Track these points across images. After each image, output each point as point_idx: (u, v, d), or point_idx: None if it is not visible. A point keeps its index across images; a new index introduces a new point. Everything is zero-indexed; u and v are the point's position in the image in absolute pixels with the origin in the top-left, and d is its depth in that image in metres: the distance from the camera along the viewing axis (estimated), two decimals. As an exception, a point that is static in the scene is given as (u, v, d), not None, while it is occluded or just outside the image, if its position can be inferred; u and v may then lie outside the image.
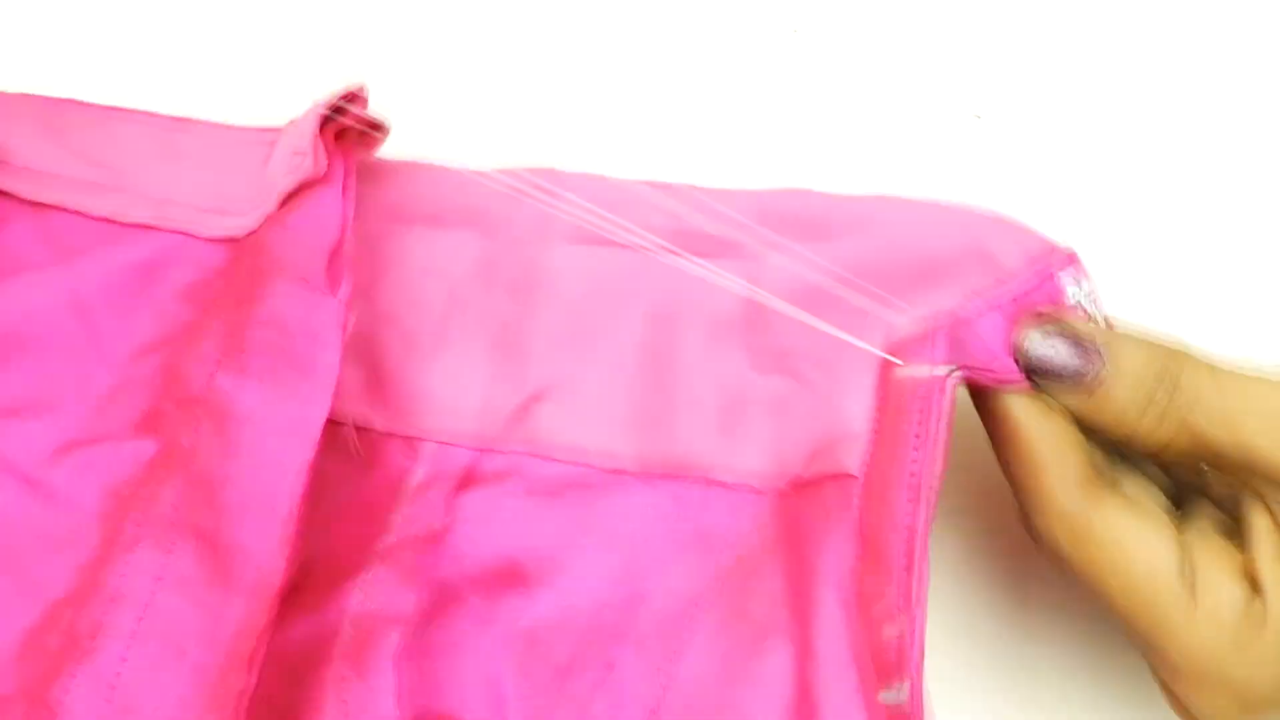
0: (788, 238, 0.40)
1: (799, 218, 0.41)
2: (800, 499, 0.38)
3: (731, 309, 0.40)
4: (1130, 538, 0.36)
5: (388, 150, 0.44)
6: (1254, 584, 0.36)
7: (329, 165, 0.40)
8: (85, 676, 0.35)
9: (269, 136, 0.44)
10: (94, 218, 0.44)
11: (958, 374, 0.37)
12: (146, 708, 0.35)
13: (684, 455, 0.40)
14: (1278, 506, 0.36)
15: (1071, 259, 0.38)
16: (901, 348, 0.37)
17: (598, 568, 0.40)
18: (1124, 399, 0.36)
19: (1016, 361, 0.36)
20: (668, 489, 0.40)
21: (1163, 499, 0.38)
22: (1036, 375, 0.36)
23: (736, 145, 0.49)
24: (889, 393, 0.37)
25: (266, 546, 0.37)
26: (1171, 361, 0.36)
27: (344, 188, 0.40)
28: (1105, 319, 0.38)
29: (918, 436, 0.36)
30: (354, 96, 0.41)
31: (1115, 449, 0.38)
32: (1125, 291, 0.46)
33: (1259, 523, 0.36)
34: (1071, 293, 0.38)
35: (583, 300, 0.42)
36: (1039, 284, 0.37)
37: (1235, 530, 0.37)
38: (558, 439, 0.41)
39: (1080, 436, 0.37)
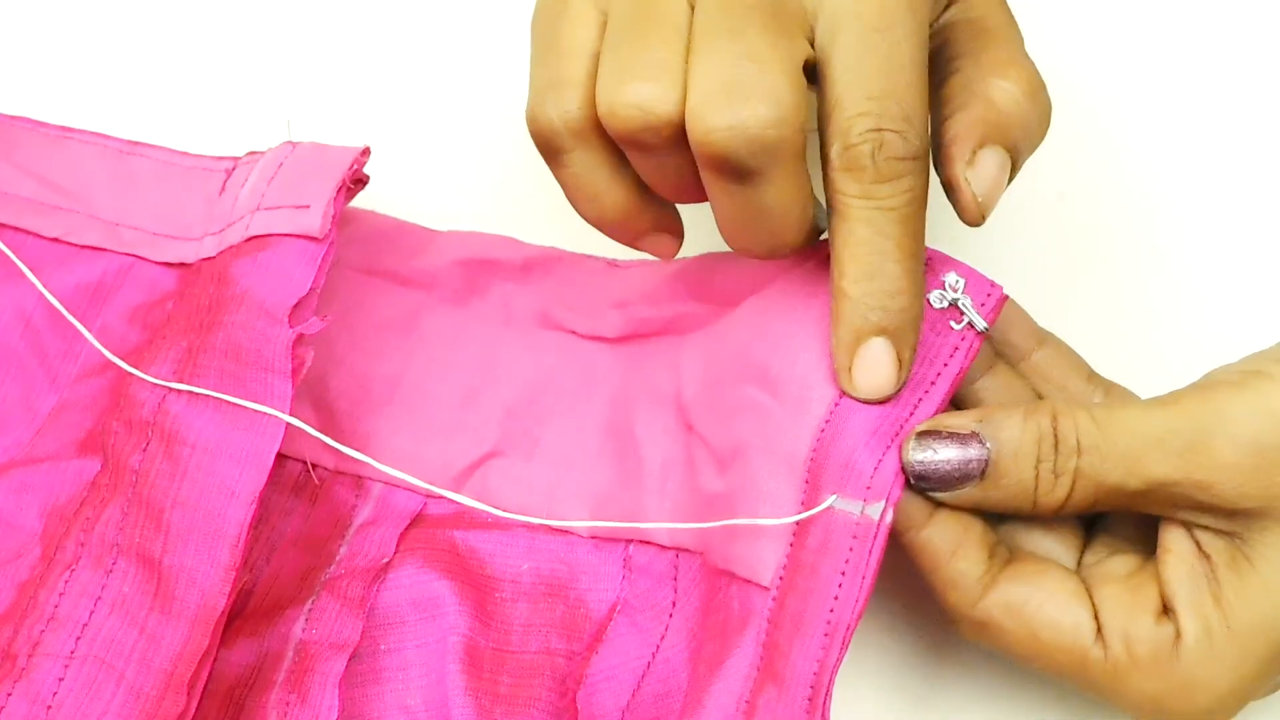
0: (709, 305, 0.41)
1: (711, 287, 0.41)
2: (711, 579, 0.38)
3: (680, 390, 0.41)
4: (1036, 619, 0.36)
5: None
6: (1166, 609, 0.35)
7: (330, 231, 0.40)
8: (21, 695, 0.35)
9: (224, 164, 0.44)
10: (44, 238, 0.44)
11: (890, 515, 0.36)
12: None
13: (628, 517, 0.40)
14: (1199, 531, 0.35)
15: (928, 265, 0.37)
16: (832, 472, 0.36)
17: (542, 615, 0.40)
18: (1016, 470, 0.36)
19: (907, 482, 0.36)
20: (616, 550, 0.40)
21: (1071, 540, 0.38)
22: (928, 485, 0.36)
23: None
24: (815, 519, 0.36)
25: (211, 572, 0.37)
26: (1047, 418, 0.36)
27: (329, 249, 0.40)
28: (990, 302, 0.37)
29: (844, 575, 0.35)
30: (365, 155, 0.41)
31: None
32: (1124, 290, 0.46)
33: (1175, 545, 0.36)
34: (935, 299, 0.37)
35: (548, 378, 0.42)
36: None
37: (1145, 552, 0.37)
38: (510, 497, 0.41)
39: (972, 523, 0.37)
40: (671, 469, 0.40)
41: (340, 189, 0.40)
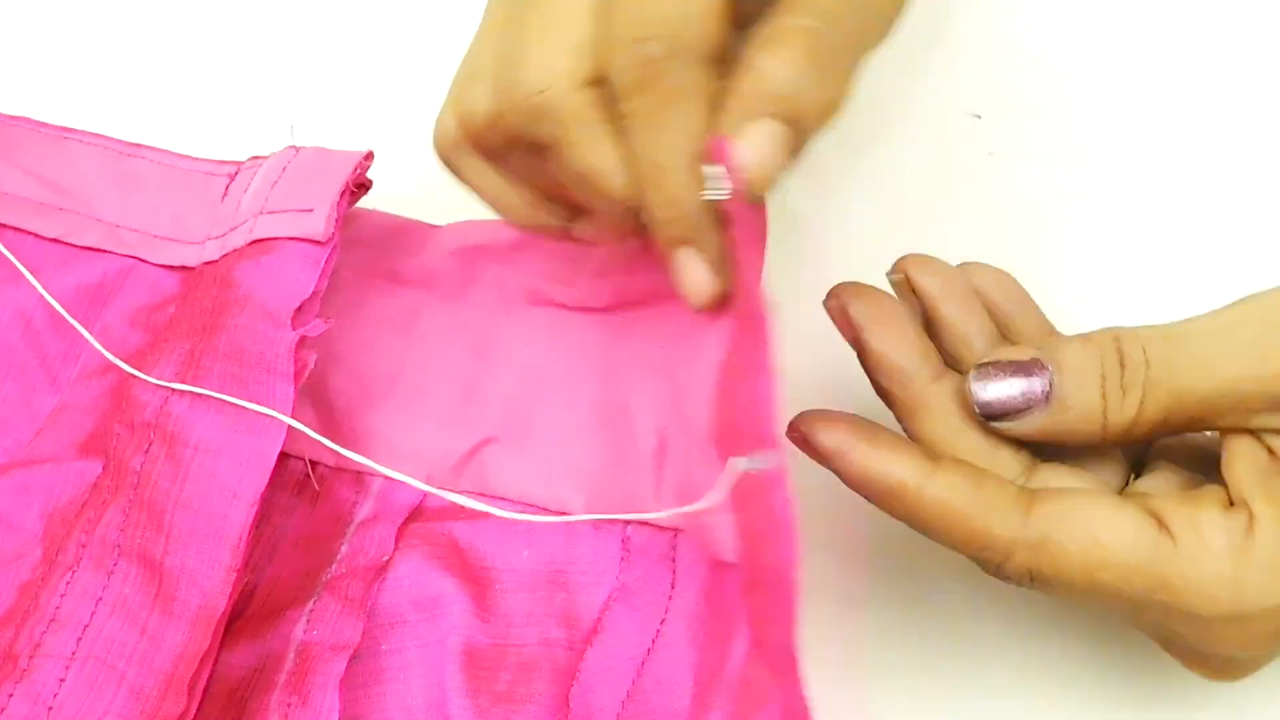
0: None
1: None
2: (712, 567, 0.38)
3: (661, 351, 0.40)
4: (1092, 523, 0.34)
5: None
6: (1233, 502, 0.34)
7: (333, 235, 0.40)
8: (22, 696, 0.35)
9: (226, 168, 0.44)
10: (46, 239, 0.44)
11: (774, 456, 0.32)
12: None
13: (629, 500, 0.40)
14: (1270, 436, 0.34)
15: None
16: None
17: (542, 604, 0.39)
18: (1081, 391, 0.35)
19: (976, 415, 0.35)
20: (614, 533, 0.40)
21: (1096, 479, 0.37)
22: (999, 416, 0.35)
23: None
24: (739, 489, 0.34)
25: (213, 572, 0.37)
26: (1104, 338, 0.35)
27: (332, 253, 0.40)
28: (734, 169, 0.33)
29: (773, 526, 0.32)
30: (369, 159, 0.41)
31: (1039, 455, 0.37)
32: (1122, 289, 0.46)
33: (1244, 450, 0.35)
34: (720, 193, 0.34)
35: (541, 358, 0.42)
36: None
37: (1203, 480, 0.36)
38: (506, 483, 0.41)
39: (981, 470, 0.35)
40: (668, 450, 0.40)
41: (344, 193, 0.40)
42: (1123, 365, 0.35)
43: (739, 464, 0.33)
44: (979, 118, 0.49)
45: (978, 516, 0.34)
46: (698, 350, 0.39)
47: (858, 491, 0.35)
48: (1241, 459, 0.35)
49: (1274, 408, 0.34)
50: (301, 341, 0.39)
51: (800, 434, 0.35)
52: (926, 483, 0.34)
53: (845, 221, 0.48)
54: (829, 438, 0.35)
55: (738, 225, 0.33)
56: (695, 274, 0.34)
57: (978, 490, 0.34)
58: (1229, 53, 0.50)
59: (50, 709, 0.35)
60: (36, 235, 0.44)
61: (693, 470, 0.39)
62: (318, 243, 0.40)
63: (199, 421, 0.38)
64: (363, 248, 0.44)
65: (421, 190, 0.47)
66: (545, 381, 0.42)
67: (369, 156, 0.41)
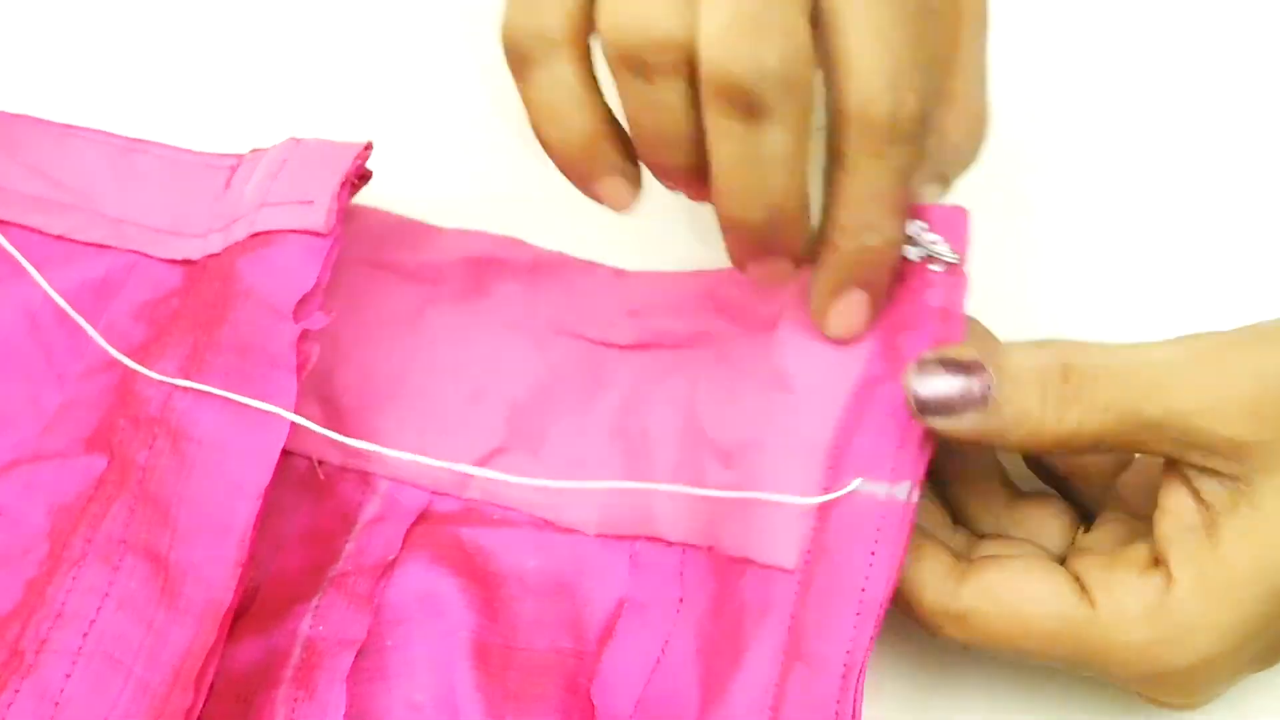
0: (737, 326, 0.41)
1: (743, 308, 0.42)
2: (736, 570, 0.38)
3: (690, 393, 0.41)
4: (1012, 594, 0.35)
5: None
6: (1156, 561, 0.35)
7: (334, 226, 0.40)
8: (29, 692, 0.35)
9: (227, 161, 0.44)
10: (49, 235, 0.44)
11: (916, 494, 0.36)
12: None
13: (639, 516, 0.40)
14: (1203, 478, 0.35)
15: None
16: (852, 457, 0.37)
17: (549, 612, 0.40)
18: (1020, 397, 0.35)
19: (912, 411, 0.36)
20: (623, 547, 0.40)
21: (1034, 546, 0.38)
22: (934, 413, 0.36)
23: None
24: (834, 504, 0.36)
25: (218, 568, 0.37)
26: (1052, 348, 0.36)
27: (334, 244, 0.40)
28: (956, 230, 0.38)
29: (874, 555, 0.35)
30: (368, 149, 0.41)
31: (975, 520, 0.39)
32: (1122, 289, 0.46)
33: (1173, 504, 0.35)
34: (915, 253, 0.38)
35: (557, 380, 0.42)
36: (910, 302, 0.37)
37: (1145, 530, 0.37)
38: (515, 493, 0.41)
39: (924, 533, 0.37)
40: (682, 470, 0.40)
41: (344, 183, 0.40)
42: (1066, 377, 0.35)
43: (859, 484, 0.36)
44: (978, 117, 0.49)
45: (911, 584, 0.36)
46: (731, 392, 0.40)
47: None
48: (1169, 515, 0.36)
49: (1214, 447, 0.35)
50: (304, 335, 0.39)
51: None
52: None
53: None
54: None
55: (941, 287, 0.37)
56: (859, 317, 0.37)
57: (915, 561, 0.36)
58: (1230, 51, 0.50)
59: (57, 704, 0.35)
60: (40, 232, 0.44)
61: (709, 508, 0.39)
62: (319, 234, 0.40)
63: (203, 416, 0.38)
64: (365, 242, 0.44)
65: (421, 187, 0.47)
66: (560, 399, 0.42)
67: (369, 147, 0.41)
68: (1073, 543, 0.38)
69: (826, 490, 0.36)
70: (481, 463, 0.42)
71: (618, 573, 0.40)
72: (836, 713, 0.34)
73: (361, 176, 0.42)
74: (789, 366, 0.38)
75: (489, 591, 0.40)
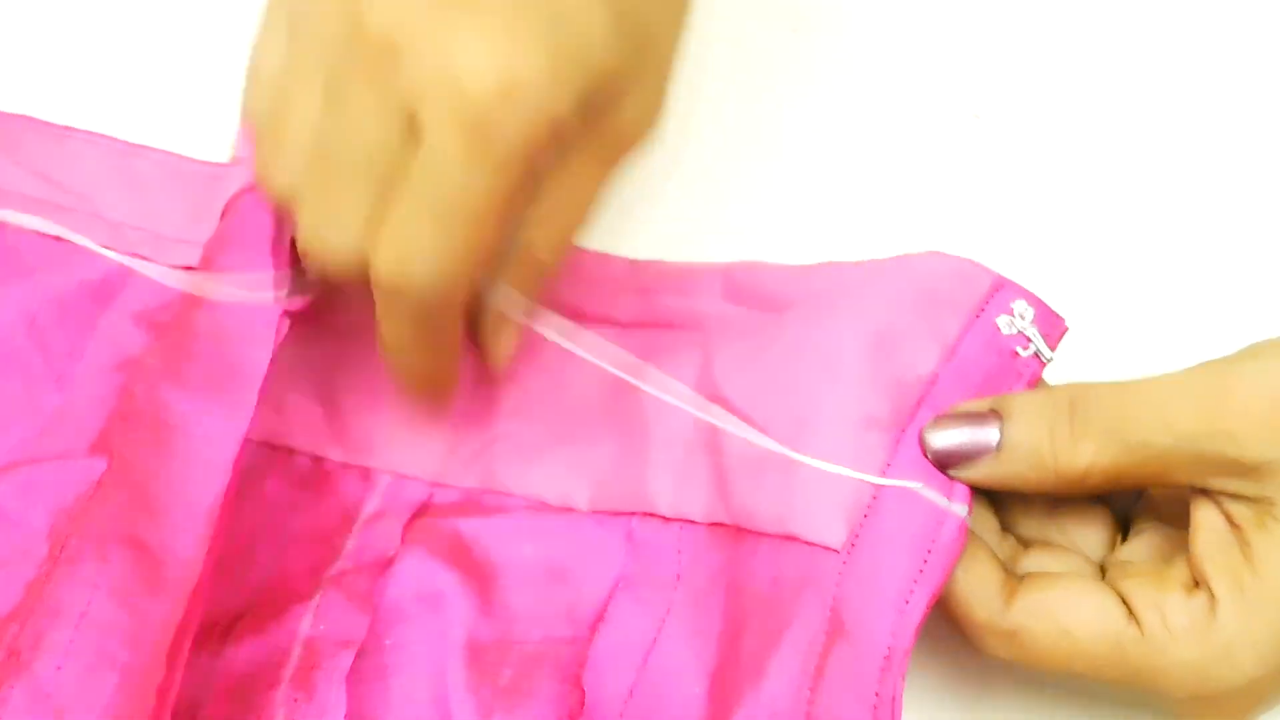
0: (748, 309, 0.41)
1: (758, 292, 0.42)
2: (748, 547, 0.38)
3: (706, 368, 0.41)
4: (1062, 614, 0.36)
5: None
6: (1197, 582, 0.36)
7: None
8: (22, 690, 0.35)
9: (229, 169, 0.43)
10: (48, 237, 0.44)
11: (968, 515, 0.37)
12: (76, 712, 0.34)
13: (634, 493, 0.40)
14: (1228, 501, 0.36)
15: (1000, 291, 0.38)
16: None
17: (546, 600, 0.40)
18: (1030, 441, 0.36)
19: (936, 465, 0.37)
20: (619, 525, 0.40)
21: (1080, 558, 0.38)
22: (950, 464, 0.37)
23: (736, 147, 0.49)
24: (893, 498, 0.37)
25: (190, 544, 0.37)
26: (1059, 389, 0.37)
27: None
28: (1053, 333, 0.38)
29: (929, 554, 0.36)
30: None
31: (1025, 520, 0.39)
32: (1121, 288, 0.46)
33: (1205, 521, 0.36)
34: (1005, 325, 0.38)
35: (554, 359, 0.42)
36: (980, 348, 0.38)
37: (1180, 540, 0.37)
38: (513, 478, 0.41)
39: (983, 544, 0.38)
40: (684, 444, 0.40)
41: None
42: (1073, 414, 0.36)
43: (921, 488, 0.36)
44: (979, 118, 0.49)
45: (962, 597, 0.36)
46: (763, 365, 0.40)
47: None
48: (1202, 531, 0.36)
49: (1230, 470, 0.35)
50: (280, 315, 0.39)
51: None
52: None
53: (844, 220, 0.48)
54: None
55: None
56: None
57: (968, 574, 0.36)
58: (1231, 51, 0.50)
59: (49, 695, 0.35)
60: (39, 233, 0.44)
61: (728, 479, 0.39)
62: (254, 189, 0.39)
63: (179, 402, 0.38)
64: None
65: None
66: (556, 380, 0.42)
67: None
68: (1112, 551, 0.39)
69: (887, 468, 0.37)
70: (480, 450, 0.42)
71: (613, 553, 0.40)
72: (876, 697, 0.35)
73: None
74: (844, 349, 0.38)
75: (485, 584, 0.40)
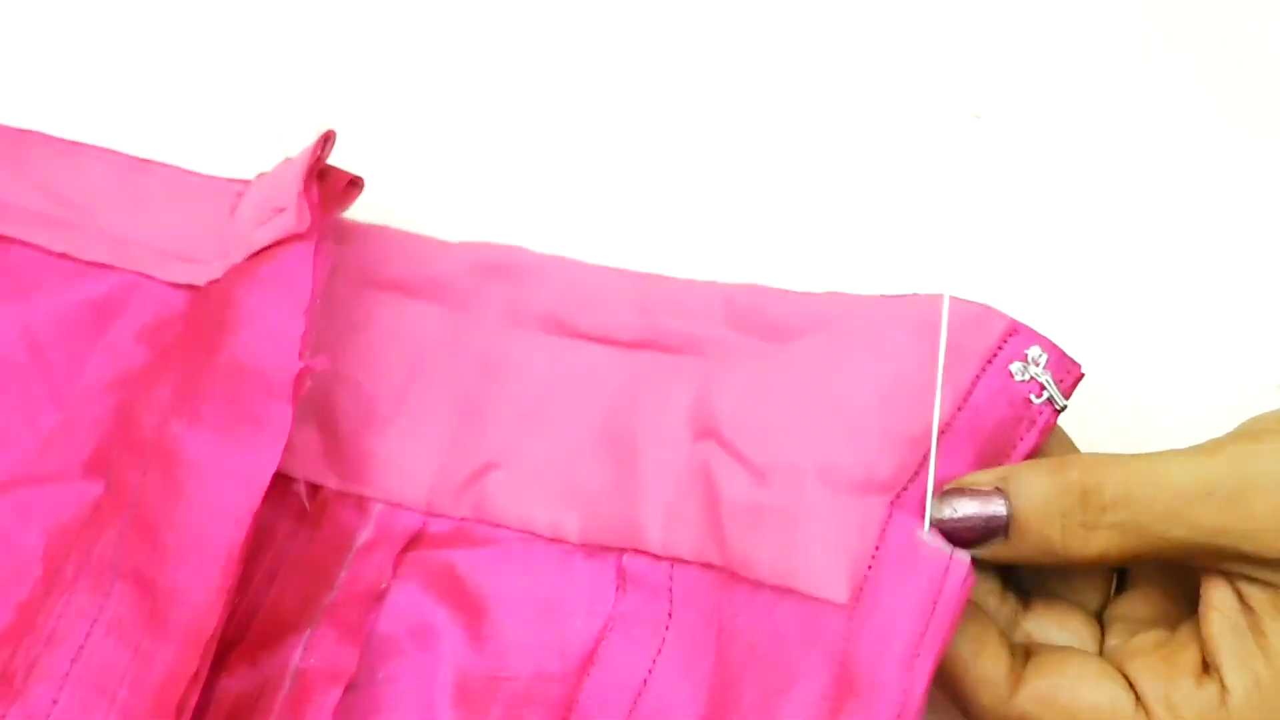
0: (751, 337, 0.41)
1: (761, 319, 0.41)
2: (743, 593, 0.38)
3: (703, 401, 0.40)
4: (1069, 703, 0.35)
5: (354, 212, 0.43)
6: (1208, 667, 0.35)
7: (310, 223, 0.40)
8: (17, 716, 0.35)
9: (235, 187, 0.44)
10: (51, 253, 0.43)
11: (972, 571, 0.36)
12: None
13: (625, 526, 0.40)
14: (1242, 583, 0.35)
15: (1014, 337, 0.38)
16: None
17: (537, 636, 0.39)
18: (1040, 527, 0.36)
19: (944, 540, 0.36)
20: (609, 560, 0.40)
21: (1086, 630, 0.38)
22: (954, 541, 0.36)
23: (736, 148, 0.49)
24: (897, 550, 0.36)
25: (203, 593, 0.36)
26: (1075, 472, 0.36)
27: (318, 247, 0.40)
28: (1068, 379, 0.38)
29: (936, 605, 0.35)
30: (327, 143, 0.41)
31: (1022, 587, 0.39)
32: (1123, 290, 0.46)
33: (1218, 601, 0.35)
34: (1018, 371, 0.37)
35: (548, 384, 0.42)
36: (992, 395, 0.37)
37: (1174, 604, 0.37)
38: (506, 508, 0.41)
39: (988, 624, 0.37)
40: (677, 481, 0.40)
41: (308, 177, 0.40)
42: (1086, 504, 0.35)
43: (925, 535, 0.36)
44: (979, 118, 0.49)
45: (969, 682, 0.36)
46: (763, 404, 0.39)
47: None
48: (1215, 614, 0.35)
49: (1244, 560, 0.35)
50: (303, 371, 0.38)
51: None
52: None
53: (844, 221, 0.48)
54: None
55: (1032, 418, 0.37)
56: None
57: (976, 657, 0.36)
58: (1232, 50, 0.50)
59: None
60: (43, 249, 0.44)
61: (723, 523, 0.38)
62: (302, 237, 0.39)
63: (196, 441, 0.38)
64: (366, 262, 0.44)
65: (423, 201, 0.47)
66: (550, 406, 0.42)
67: (327, 138, 0.41)
68: (1109, 599, 0.38)
69: (884, 531, 0.36)
70: (473, 479, 0.41)
71: (604, 590, 0.40)
72: None
73: (351, 182, 0.41)
74: (852, 400, 0.38)
75: (476, 618, 0.39)
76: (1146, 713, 0.35)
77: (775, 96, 0.50)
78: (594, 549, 0.40)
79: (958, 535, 0.36)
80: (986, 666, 0.36)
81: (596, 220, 0.48)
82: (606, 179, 0.49)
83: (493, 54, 0.51)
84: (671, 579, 0.39)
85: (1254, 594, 0.35)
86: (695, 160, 0.49)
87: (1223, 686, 0.35)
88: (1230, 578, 0.35)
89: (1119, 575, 0.39)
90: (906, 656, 0.35)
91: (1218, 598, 0.35)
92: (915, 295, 0.39)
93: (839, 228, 0.48)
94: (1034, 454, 0.37)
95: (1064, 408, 0.37)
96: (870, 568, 0.36)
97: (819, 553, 0.36)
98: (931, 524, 0.36)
